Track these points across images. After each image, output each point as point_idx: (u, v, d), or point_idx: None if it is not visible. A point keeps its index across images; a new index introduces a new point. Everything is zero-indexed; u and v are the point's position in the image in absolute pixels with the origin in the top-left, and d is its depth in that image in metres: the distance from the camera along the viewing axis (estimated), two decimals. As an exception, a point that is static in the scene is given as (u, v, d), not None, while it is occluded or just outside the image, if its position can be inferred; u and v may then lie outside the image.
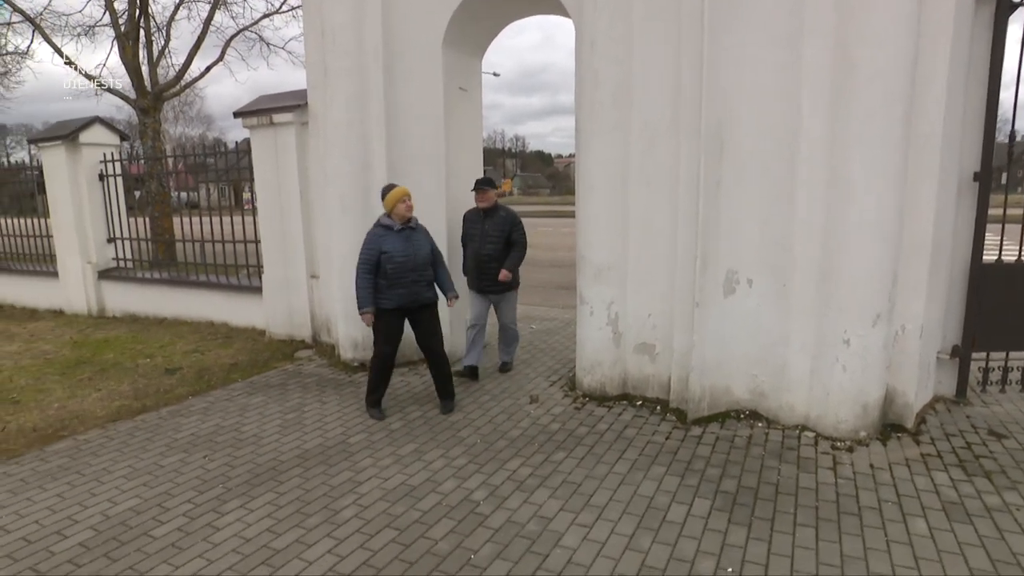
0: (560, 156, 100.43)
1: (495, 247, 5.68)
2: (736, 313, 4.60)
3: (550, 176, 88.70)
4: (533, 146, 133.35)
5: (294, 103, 6.56)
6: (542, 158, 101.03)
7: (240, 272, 8.18)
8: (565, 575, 2.96)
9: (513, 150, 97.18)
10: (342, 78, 5.90)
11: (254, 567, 3.09)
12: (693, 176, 4.50)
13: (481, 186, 5.74)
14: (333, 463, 4.22)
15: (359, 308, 4.84)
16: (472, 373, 5.83)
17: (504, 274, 5.61)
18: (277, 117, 6.66)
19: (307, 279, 7.05)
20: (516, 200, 57.40)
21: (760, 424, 4.60)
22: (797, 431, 4.46)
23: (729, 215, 4.48)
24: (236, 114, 6.96)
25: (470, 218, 5.90)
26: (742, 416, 4.71)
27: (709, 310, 4.59)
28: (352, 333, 6.17)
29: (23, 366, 6.68)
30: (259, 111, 6.78)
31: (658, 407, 4.98)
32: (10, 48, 16.26)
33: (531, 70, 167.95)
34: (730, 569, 2.97)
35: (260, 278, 7.51)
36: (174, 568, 3.10)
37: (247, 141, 7.26)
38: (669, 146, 4.66)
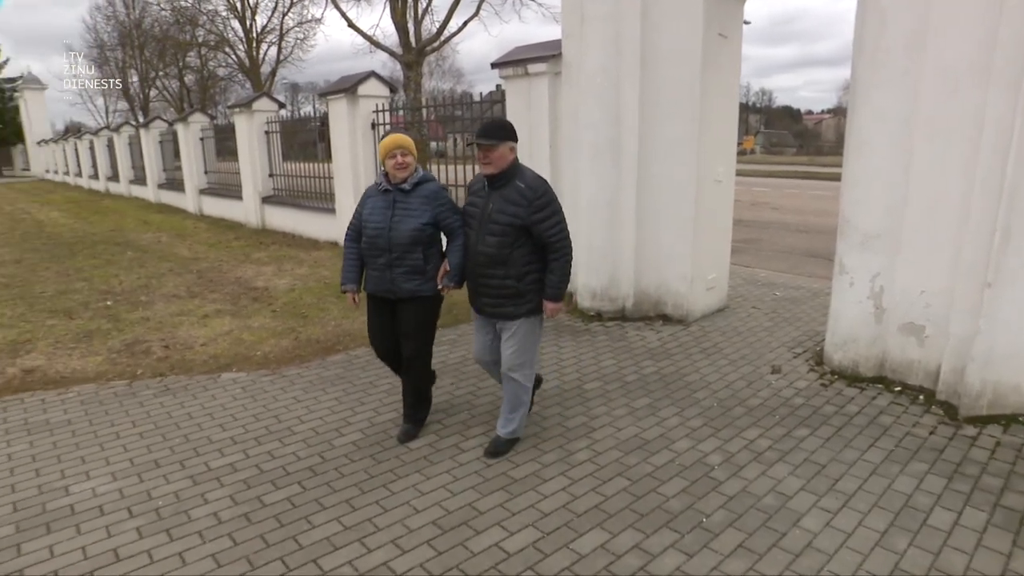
0: (811, 112, 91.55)
1: (500, 241, 3.44)
2: (1041, 299, 3.86)
3: (798, 134, 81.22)
4: (780, 100, 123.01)
5: (548, 53, 6.67)
6: (790, 114, 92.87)
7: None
8: (804, 559, 2.78)
9: (758, 105, 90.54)
10: (598, 24, 5.87)
11: (493, 491, 3.34)
12: (1003, 131, 3.79)
13: (484, 139, 3.40)
14: (568, 406, 4.37)
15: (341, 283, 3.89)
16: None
17: (553, 308, 3.57)
18: (531, 67, 6.83)
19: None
20: (759, 159, 52.66)
21: (1059, 433, 3.87)
22: (1113, 448, 3.69)
23: (1048, 181, 3.73)
24: (493, 65, 7.28)
25: (475, 189, 3.69)
26: (1034, 421, 4.00)
27: (1004, 292, 3.90)
28: (590, 282, 6.28)
29: (309, 287, 7.83)
30: (514, 61, 7.01)
31: (921, 396, 4.41)
32: (307, 17, 18.76)
33: (782, 18, 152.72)
34: (1011, 593, 2.57)
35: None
36: (425, 478, 3.47)
37: (491, 93, 7.57)
38: (971, 96, 3.97)
